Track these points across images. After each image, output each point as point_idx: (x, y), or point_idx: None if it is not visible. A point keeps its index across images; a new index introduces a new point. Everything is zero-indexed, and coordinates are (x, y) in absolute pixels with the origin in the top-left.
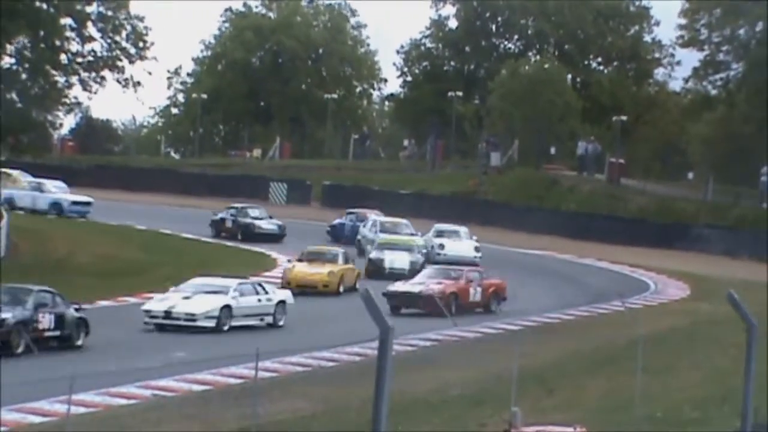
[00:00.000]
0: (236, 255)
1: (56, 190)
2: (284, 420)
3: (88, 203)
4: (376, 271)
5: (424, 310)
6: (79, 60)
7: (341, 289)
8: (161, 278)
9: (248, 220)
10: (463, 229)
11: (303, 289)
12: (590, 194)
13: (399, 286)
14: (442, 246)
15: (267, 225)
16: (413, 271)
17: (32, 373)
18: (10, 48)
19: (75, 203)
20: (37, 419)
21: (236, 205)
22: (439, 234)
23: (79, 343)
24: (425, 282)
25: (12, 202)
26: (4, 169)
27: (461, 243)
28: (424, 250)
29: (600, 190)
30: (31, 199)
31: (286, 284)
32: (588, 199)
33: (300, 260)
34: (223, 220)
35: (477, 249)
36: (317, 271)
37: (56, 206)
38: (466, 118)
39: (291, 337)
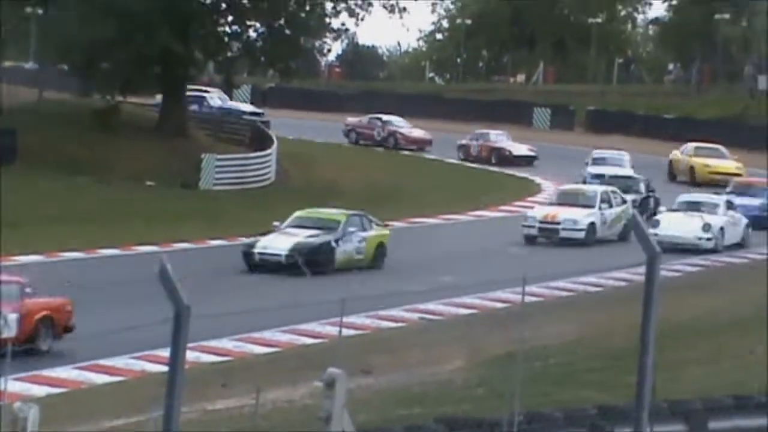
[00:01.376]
0: (500, 181)
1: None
2: (550, 345)
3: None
4: None
5: None
6: None
7: None
8: (425, 204)
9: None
10: (720, 199)
11: None
12: None
13: None
14: (656, 223)
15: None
16: None
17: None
18: None
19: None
20: (309, 341)
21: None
22: (692, 205)
23: None
24: None
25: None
26: None
27: (690, 221)
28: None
29: None
30: None
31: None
32: None
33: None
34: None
35: (706, 228)
36: None
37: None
38: (733, 41)
39: None
